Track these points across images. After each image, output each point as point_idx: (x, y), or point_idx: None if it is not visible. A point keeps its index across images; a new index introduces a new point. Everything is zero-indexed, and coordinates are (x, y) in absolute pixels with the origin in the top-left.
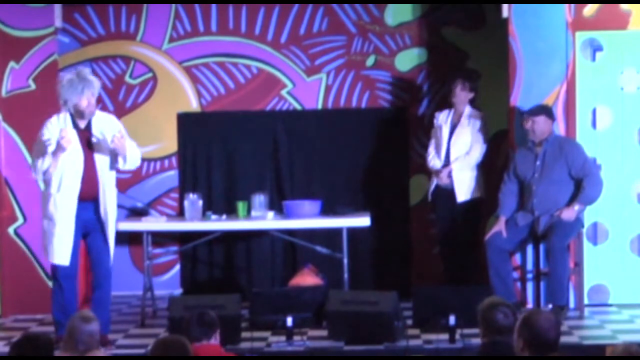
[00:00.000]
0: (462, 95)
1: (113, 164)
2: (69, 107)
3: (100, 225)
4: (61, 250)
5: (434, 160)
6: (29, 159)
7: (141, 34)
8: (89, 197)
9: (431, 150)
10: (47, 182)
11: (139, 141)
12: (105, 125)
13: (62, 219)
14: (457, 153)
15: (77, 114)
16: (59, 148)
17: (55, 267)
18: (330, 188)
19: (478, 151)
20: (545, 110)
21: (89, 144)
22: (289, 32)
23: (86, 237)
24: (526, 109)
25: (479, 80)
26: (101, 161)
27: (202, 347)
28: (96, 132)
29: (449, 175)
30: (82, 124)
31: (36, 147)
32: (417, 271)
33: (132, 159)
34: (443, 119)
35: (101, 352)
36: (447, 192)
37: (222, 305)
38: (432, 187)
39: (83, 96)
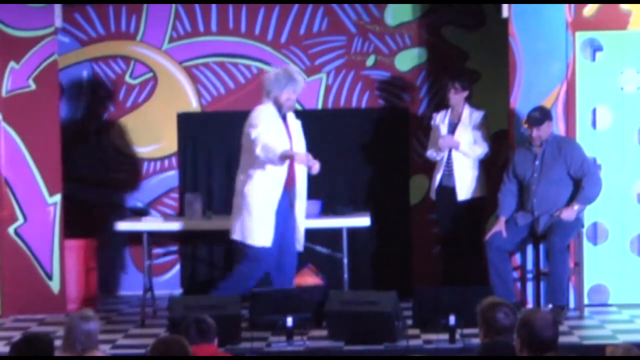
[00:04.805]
0: (456, 97)
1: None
2: (270, 99)
3: (292, 213)
4: (266, 233)
5: (431, 151)
6: (31, 160)
7: (141, 34)
8: (288, 187)
9: (429, 146)
10: (258, 170)
11: (139, 141)
12: (294, 125)
13: (267, 205)
14: (459, 152)
15: (277, 107)
16: (289, 157)
17: (257, 250)
18: (330, 188)
19: (482, 146)
20: (547, 116)
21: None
22: (289, 32)
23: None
24: (526, 115)
25: (474, 77)
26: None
27: (199, 348)
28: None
29: (455, 148)
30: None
31: (264, 147)
32: (417, 271)
33: None
34: (440, 118)
35: (100, 352)
36: (449, 191)
37: (222, 305)
38: (436, 185)
39: (284, 90)
